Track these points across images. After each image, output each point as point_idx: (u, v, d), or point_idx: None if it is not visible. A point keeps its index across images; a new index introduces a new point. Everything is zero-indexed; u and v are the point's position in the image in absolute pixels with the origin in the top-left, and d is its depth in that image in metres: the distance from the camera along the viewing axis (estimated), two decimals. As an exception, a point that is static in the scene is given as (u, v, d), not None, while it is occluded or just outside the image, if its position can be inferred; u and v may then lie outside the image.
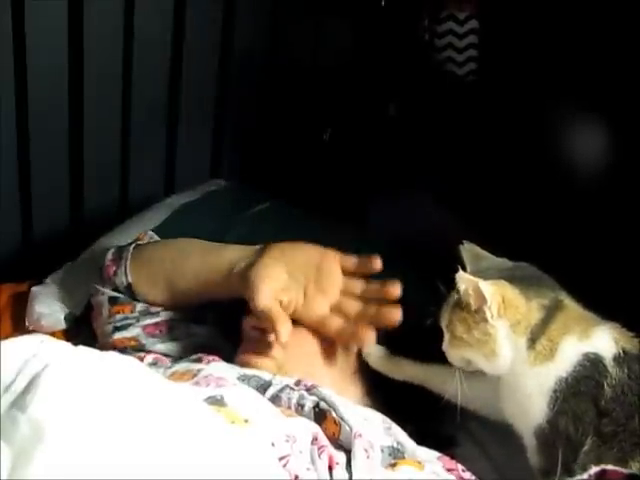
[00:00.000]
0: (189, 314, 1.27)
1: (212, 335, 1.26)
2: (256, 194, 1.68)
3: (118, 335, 1.24)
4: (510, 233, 1.28)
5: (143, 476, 0.74)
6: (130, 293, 1.26)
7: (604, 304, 0.99)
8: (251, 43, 1.83)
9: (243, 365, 1.11)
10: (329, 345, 1.15)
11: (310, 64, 1.85)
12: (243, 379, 1.06)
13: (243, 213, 1.59)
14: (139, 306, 1.26)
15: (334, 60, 1.83)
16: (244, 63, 1.82)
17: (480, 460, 1.15)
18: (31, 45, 1.51)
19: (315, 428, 0.98)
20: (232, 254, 1.20)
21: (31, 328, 1.37)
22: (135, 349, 1.22)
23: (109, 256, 1.28)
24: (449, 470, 1.01)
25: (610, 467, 0.92)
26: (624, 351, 0.96)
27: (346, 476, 0.94)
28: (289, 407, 1.03)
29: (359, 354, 1.15)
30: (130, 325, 1.24)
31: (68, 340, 1.28)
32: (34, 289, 1.44)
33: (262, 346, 1.13)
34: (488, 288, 0.96)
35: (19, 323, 1.40)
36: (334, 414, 1.01)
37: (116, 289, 1.27)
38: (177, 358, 1.19)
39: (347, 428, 0.99)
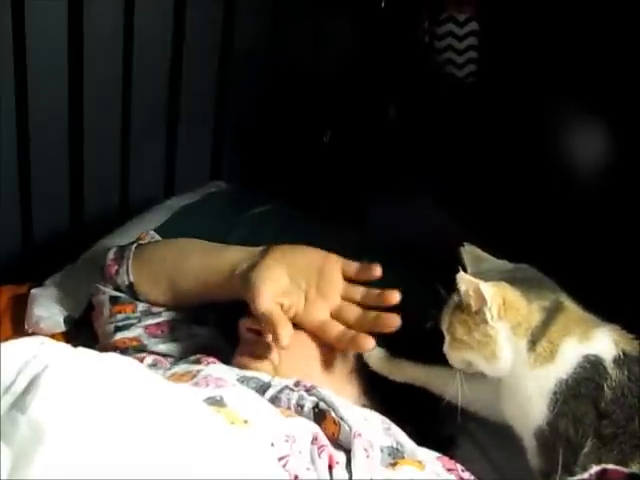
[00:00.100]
0: (191, 315, 1.27)
1: (214, 336, 1.26)
2: (256, 196, 1.68)
3: (120, 335, 1.24)
4: (510, 235, 1.28)
5: (143, 476, 0.74)
6: (132, 293, 1.26)
7: (604, 306, 0.99)
8: (251, 43, 1.83)
9: (240, 367, 1.11)
10: (325, 346, 1.14)
11: (310, 65, 1.85)
12: (242, 380, 1.06)
13: (243, 215, 1.58)
14: (141, 306, 1.26)
15: (334, 62, 1.83)
16: (244, 63, 1.82)
17: (480, 461, 1.15)
18: (31, 45, 1.51)
19: (315, 428, 0.98)
20: (233, 255, 1.20)
21: (30, 331, 1.37)
22: (137, 349, 1.22)
23: (111, 255, 1.28)
24: (449, 470, 1.01)
25: (611, 466, 0.92)
26: (624, 353, 0.95)
27: (346, 476, 0.94)
28: (288, 407, 1.03)
29: (358, 354, 1.15)
30: (132, 325, 1.24)
31: (68, 342, 1.28)
32: (33, 292, 1.44)
33: (258, 348, 1.13)
34: (489, 290, 0.96)
35: (19, 325, 1.40)
36: (333, 414, 1.01)
37: (117, 288, 1.27)
38: (178, 359, 1.19)
39: (346, 428, 0.99)
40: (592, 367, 0.95)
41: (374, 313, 1.12)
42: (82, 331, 1.35)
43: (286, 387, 1.06)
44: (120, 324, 1.25)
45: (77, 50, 1.57)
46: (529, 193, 1.41)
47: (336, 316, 1.14)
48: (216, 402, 0.94)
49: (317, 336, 1.14)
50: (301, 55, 1.87)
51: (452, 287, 1.00)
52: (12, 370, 0.79)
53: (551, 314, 0.97)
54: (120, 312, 1.25)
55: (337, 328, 1.12)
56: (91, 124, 1.64)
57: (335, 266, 1.15)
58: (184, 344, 1.23)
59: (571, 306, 0.99)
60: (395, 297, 1.11)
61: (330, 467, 0.94)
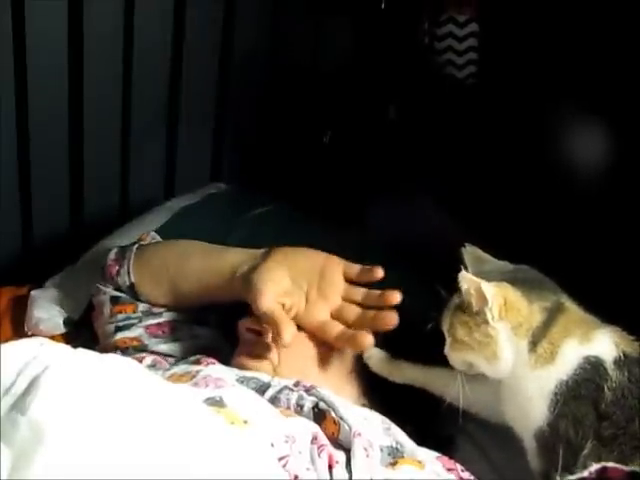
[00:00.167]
0: (192, 315, 1.27)
1: (214, 337, 1.26)
2: (256, 197, 1.68)
3: (120, 335, 1.24)
4: (510, 236, 1.28)
5: (143, 477, 0.74)
6: (132, 293, 1.26)
7: (605, 307, 0.99)
8: (251, 43, 1.83)
9: (239, 367, 1.11)
10: (325, 347, 1.15)
11: (310, 66, 1.85)
12: (242, 381, 1.06)
13: (243, 216, 1.58)
14: (141, 306, 1.26)
15: (334, 62, 1.83)
16: (244, 63, 1.82)
17: (480, 462, 1.15)
18: (31, 45, 1.51)
19: (314, 428, 0.98)
20: (234, 257, 1.20)
21: (30, 333, 1.37)
22: (137, 349, 1.22)
23: (112, 256, 1.28)
24: (449, 470, 1.01)
25: (611, 464, 0.91)
26: (624, 354, 0.95)
27: (346, 475, 0.94)
28: (288, 408, 1.03)
29: (357, 355, 1.15)
30: (132, 325, 1.24)
31: (68, 343, 1.28)
32: (33, 293, 1.44)
33: (258, 348, 1.13)
34: (490, 289, 0.96)
35: (19, 326, 1.40)
36: (333, 414, 1.01)
37: (118, 289, 1.27)
38: (179, 359, 1.19)
39: (346, 427, 0.99)
40: (592, 368, 0.95)
41: (373, 312, 1.12)
42: (82, 332, 1.35)
43: (286, 387, 1.06)
44: (121, 324, 1.25)
45: (77, 50, 1.57)
46: (529, 194, 1.41)
47: (336, 316, 1.14)
48: (216, 402, 0.94)
49: (317, 336, 1.14)
50: (301, 55, 1.87)
51: (452, 288, 1.00)
52: (12, 371, 0.80)
53: (552, 315, 0.97)
54: (121, 312, 1.26)
55: (337, 328, 1.12)
56: (91, 124, 1.64)
57: (336, 268, 1.15)
58: (185, 344, 1.23)
59: (572, 307, 0.99)
60: (396, 297, 1.11)
61: (330, 467, 0.94)
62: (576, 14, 1.41)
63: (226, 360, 1.13)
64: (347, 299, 1.15)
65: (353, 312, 1.14)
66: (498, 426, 1.05)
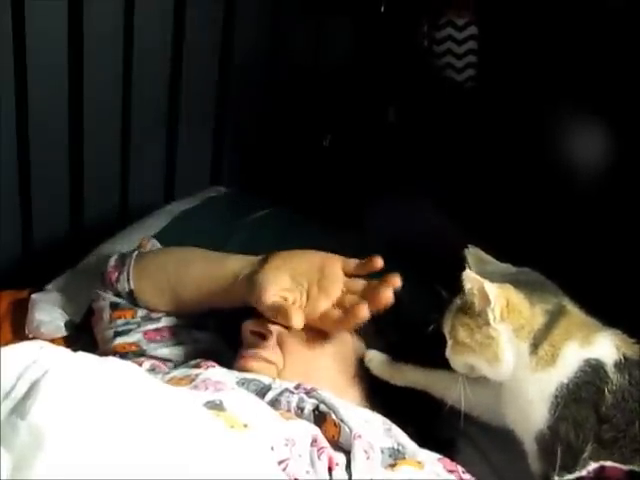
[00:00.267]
0: (191, 320, 1.28)
1: (214, 341, 1.27)
2: (256, 200, 1.68)
3: (119, 340, 1.24)
4: (510, 239, 1.28)
5: (143, 481, 0.74)
6: (132, 299, 1.27)
7: (606, 310, 0.99)
8: (251, 43, 1.83)
9: (242, 370, 1.11)
10: (328, 351, 1.15)
11: (310, 66, 1.85)
12: (243, 383, 1.06)
13: (243, 219, 1.58)
14: (140, 312, 1.26)
15: (334, 63, 1.83)
16: (244, 63, 1.82)
17: (480, 465, 1.15)
18: (31, 45, 1.51)
19: (315, 430, 0.98)
20: (235, 263, 1.20)
21: (31, 336, 1.37)
22: (136, 354, 1.22)
23: (112, 262, 1.29)
24: (450, 471, 1.01)
25: (609, 463, 0.92)
26: (625, 357, 0.95)
27: (346, 477, 0.94)
28: (288, 410, 1.03)
29: (360, 359, 1.15)
30: (131, 330, 1.25)
31: (68, 347, 1.27)
32: (34, 296, 1.44)
33: (262, 351, 1.13)
34: (493, 290, 0.96)
35: (19, 330, 1.40)
36: (334, 416, 1.01)
37: (118, 295, 1.28)
38: (178, 363, 1.19)
39: (347, 430, 0.99)
40: (593, 371, 0.95)
41: (370, 293, 1.12)
42: (82, 336, 1.35)
43: (286, 390, 1.06)
44: (120, 329, 1.25)
45: (77, 50, 1.57)
46: (529, 197, 1.41)
47: (337, 306, 1.14)
48: (215, 406, 0.94)
49: (319, 327, 1.14)
50: (301, 55, 1.87)
51: (453, 290, 1.00)
52: (12, 375, 0.79)
53: (553, 318, 0.97)
54: (120, 318, 1.26)
55: (337, 313, 1.12)
56: (91, 124, 1.64)
57: (335, 264, 1.16)
58: (185, 349, 1.24)
59: (573, 310, 0.99)
60: (397, 280, 1.10)
61: (330, 469, 0.94)
62: (575, 17, 1.41)
63: (227, 363, 1.13)
64: (348, 291, 1.15)
65: (353, 299, 1.14)
66: (499, 429, 1.05)
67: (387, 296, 1.08)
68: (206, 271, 1.22)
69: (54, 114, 1.60)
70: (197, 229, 1.52)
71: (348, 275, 1.16)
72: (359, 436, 0.98)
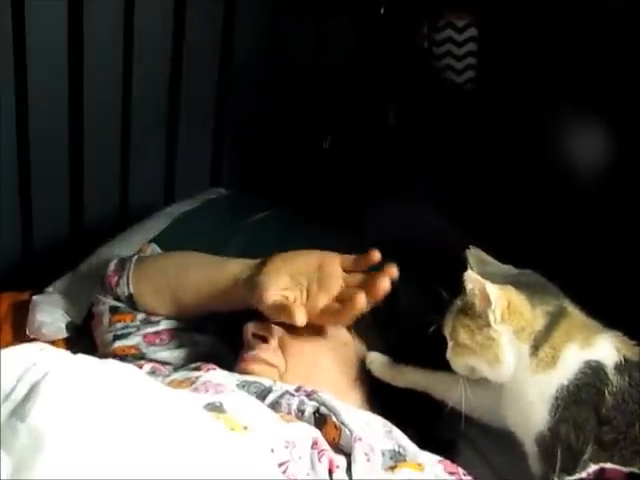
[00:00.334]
0: (190, 323, 1.28)
1: (214, 343, 1.27)
2: (256, 202, 1.68)
3: (118, 343, 1.24)
4: (510, 240, 1.28)
5: (143, 483, 0.74)
6: (131, 303, 1.27)
7: (607, 312, 0.99)
8: (251, 43, 1.83)
9: (243, 372, 1.12)
10: (330, 354, 1.15)
11: (310, 66, 1.84)
12: (243, 385, 1.07)
13: (243, 221, 1.58)
14: (140, 315, 1.27)
15: (334, 63, 1.83)
16: (244, 63, 1.82)
17: (481, 467, 1.15)
18: (31, 45, 1.50)
19: (315, 432, 0.98)
20: (235, 267, 1.20)
21: (32, 337, 1.36)
22: (135, 357, 1.23)
23: (111, 267, 1.29)
24: (450, 474, 1.01)
25: (609, 465, 0.92)
26: (625, 359, 0.95)
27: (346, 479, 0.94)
28: (289, 413, 1.03)
29: (361, 361, 1.15)
30: (130, 333, 1.25)
31: (69, 349, 1.28)
32: (35, 298, 1.44)
33: (263, 354, 1.13)
34: (494, 291, 0.96)
35: (19, 332, 1.40)
36: (334, 419, 1.01)
37: (117, 299, 1.28)
38: (178, 366, 1.20)
39: (347, 432, 0.99)
40: (593, 373, 0.95)
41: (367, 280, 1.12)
42: (83, 338, 1.35)
43: (287, 392, 1.06)
44: (119, 332, 1.25)
45: (77, 50, 1.57)
46: (529, 199, 1.41)
47: (338, 302, 1.14)
48: (216, 408, 0.94)
49: (321, 331, 1.15)
50: (301, 55, 1.87)
51: (454, 291, 1.00)
52: (12, 377, 0.79)
53: (554, 319, 0.97)
54: (119, 321, 1.26)
55: (337, 306, 1.12)
56: (91, 124, 1.64)
57: (334, 261, 1.16)
58: (184, 352, 1.24)
59: (574, 312, 0.99)
60: (393, 270, 1.11)
61: (330, 471, 0.94)
62: (575, 18, 1.41)
63: (227, 366, 1.13)
64: (347, 287, 1.15)
65: (352, 291, 1.14)
66: (499, 431, 1.05)
67: (384, 285, 1.09)
68: (206, 275, 1.23)
69: (54, 114, 1.60)
70: (197, 231, 1.52)
71: (347, 271, 1.16)
72: (360, 438, 0.98)
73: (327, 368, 1.14)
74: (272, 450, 0.91)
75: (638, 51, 1.35)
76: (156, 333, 1.25)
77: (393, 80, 1.69)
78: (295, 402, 1.04)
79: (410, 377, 1.11)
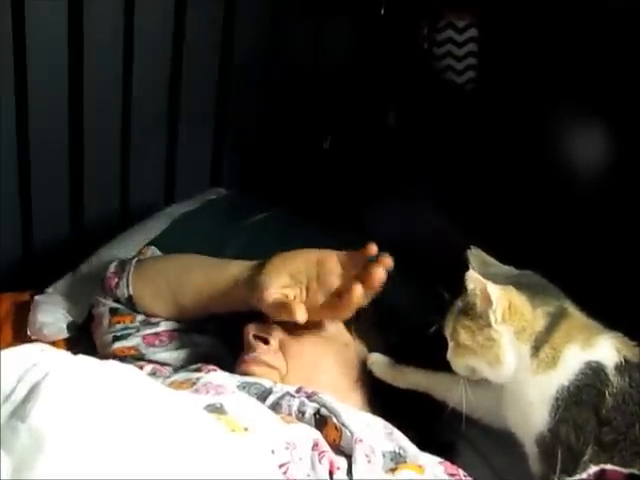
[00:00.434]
0: (190, 324, 1.28)
1: (214, 344, 1.27)
2: (256, 203, 1.68)
3: (118, 344, 1.25)
4: (511, 241, 1.28)
5: (143, 484, 0.74)
6: (131, 305, 1.27)
7: (607, 313, 0.99)
8: (251, 43, 1.82)
9: (244, 374, 1.12)
10: (331, 356, 1.16)
11: (310, 66, 1.84)
12: (244, 386, 1.07)
13: (243, 222, 1.58)
14: (139, 317, 1.27)
15: (334, 63, 1.82)
16: (244, 63, 1.82)
17: (481, 468, 1.15)
18: (31, 45, 1.50)
19: (316, 434, 0.98)
20: (235, 268, 1.21)
21: (33, 337, 1.36)
22: (135, 358, 1.23)
23: (111, 268, 1.30)
24: (451, 475, 1.01)
25: (609, 466, 0.92)
26: (626, 360, 0.96)
27: (347, 480, 0.94)
28: (289, 414, 1.03)
29: (362, 362, 1.16)
30: (130, 335, 1.25)
31: (69, 349, 1.28)
32: (37, 298, 1.44)
33: (263, 355, 1.14)
34: (495, 292, 0.96)
35: (19, 332, 1.40)
36: (335, 420, 1.01)
37: (117, 301, 1.28)
38: (178, 367, 1.20)
39: (348, 434, 0.99)
40: (594, 374, 0.95)
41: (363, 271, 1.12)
42: (84, 338, 1.35)
43: (287, 393, 1.06)
44: (118, 334, 1.26)
45: (77, 50, 1.56)
46: (529, 199, 1.41)
47: (337, 297, 1.14)
48: (216, 409, 0.94)
49: (321, 332, 1.15)
50: (301, 55, 1.87)
51: (454, 292, 1.00)
52: (12, 378, 0.79)
53: (555, 320, 0.97)
54: (119, 322, 1.27)
55: (336, 300, 1.12)
56: (91, 124, 1.64)
57: (332, 257, 1.16)
58: (184, 353, 1.25)
59: (575, 313, 0.99)
60: (388, 260, 1.11)
61: (331, 473, 0.95)
62: (575, 19, 1.41)
63: (227, 367, 1.14)
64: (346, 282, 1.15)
65: (350, 285, 1.14)
66: (500, 431, 1.06)
67: (379, 275, 1.09)
68: (206, 276, 1.23)
69: (54, 114, 1.60)
70: (197, 232, 1.52)
71: (345, 267, 1.16)
72: (360, 440, 0.98)
73: (328, 369, 1.15)
74: (273, 451, 0.91)
75: (638, 51, 1.35)
76: (155, 334, 1.25)
77: (393, 80, 1.69)
78: (296, 403, 1.04)
79: (411, 378, 1.11)
